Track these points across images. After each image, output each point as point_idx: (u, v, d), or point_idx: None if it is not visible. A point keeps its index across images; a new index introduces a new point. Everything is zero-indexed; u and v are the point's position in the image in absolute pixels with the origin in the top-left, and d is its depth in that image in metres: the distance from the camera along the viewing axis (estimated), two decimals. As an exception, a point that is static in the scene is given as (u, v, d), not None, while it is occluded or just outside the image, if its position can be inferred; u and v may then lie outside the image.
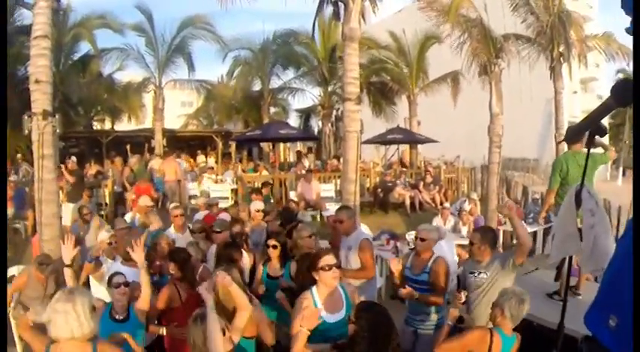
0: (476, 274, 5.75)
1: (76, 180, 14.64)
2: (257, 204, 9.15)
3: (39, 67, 8.67)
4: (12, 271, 9.41)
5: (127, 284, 5.23)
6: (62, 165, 16.60)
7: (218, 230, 7.51)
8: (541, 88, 26.65)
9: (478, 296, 5.59)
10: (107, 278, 5.57)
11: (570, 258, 4.24)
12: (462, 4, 15.69)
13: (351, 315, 4.10)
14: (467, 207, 16.33)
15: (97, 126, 36.52)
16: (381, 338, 3.84)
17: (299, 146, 34.71)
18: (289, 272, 6.37)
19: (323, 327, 4.44)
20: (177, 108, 45.61)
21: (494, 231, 5.98)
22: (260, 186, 15.00)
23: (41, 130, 8.43)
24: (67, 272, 5.48)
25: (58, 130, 8.73)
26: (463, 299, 5.43)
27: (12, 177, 16.58)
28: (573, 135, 7.73)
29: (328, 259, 4.72)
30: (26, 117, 8.64)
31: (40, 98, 8.59)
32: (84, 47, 26.99)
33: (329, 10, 14.14)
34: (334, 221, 7.29)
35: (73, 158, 17.17)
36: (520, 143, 19.73)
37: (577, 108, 41.07)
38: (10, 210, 14.26)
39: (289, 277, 6.32)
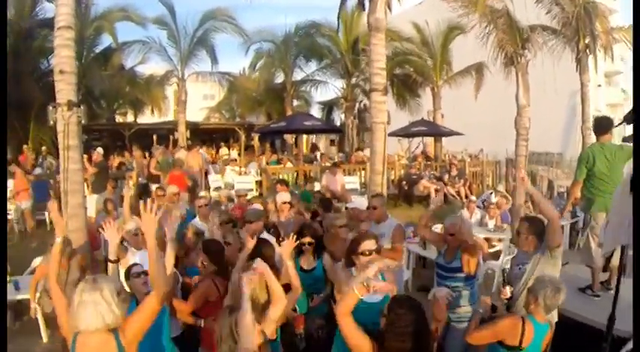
0: (520, 266, 5.62)
1: (101, 171, 14.66)
2: (283, 196, 8.95)
3: (63, 57, 8.58)
4: (37, 262, 9.38)
5: (146, 273, 5.03)
6: (85, 156, 16.78)
7: (251, 220, 7.24)
8: (565, 81, 26.20)
9: (521, 289, 5.36)
10: (124, 271, 5.34)
11: (623, 248, 4.10)
12: (489, -7, 15.48)
13: (384, 308, 3.92)
14: (493, 199, 16.18)
15: (119, 119, 36.62)
16: (412, 334, 3.70)
17: (323, 138, 34.59)
18: (322, 265, 6.35)
19: (364, 307, 4.27)
20: (200, 101, 45.63)
21: (542, 221, 5.81)
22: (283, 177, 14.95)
23: (66, 121, 8.34)
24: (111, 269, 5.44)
25: (82, 121, 8.69)
26: (508, 294, 5.29)
27: (36, 170, 16.56)
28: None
29: (369, 244, 4.79)
30: (51, 108, 8.63)
31: (65, 88, 8.50)
32: (106, 40, 27.13)
33: (354, 0, 14.05)
34: (368, 207, 7.36)
35: (99, 149, 17.13)
36: (544, 137, 19.48)
37: (601, 101, 40.53)
38: (28, 203, 14.37)
39: (322, 269, 6.33)
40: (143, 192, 16.57)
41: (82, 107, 8.69)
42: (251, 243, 5.39)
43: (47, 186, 15.14)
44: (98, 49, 27.27)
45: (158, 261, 3.95)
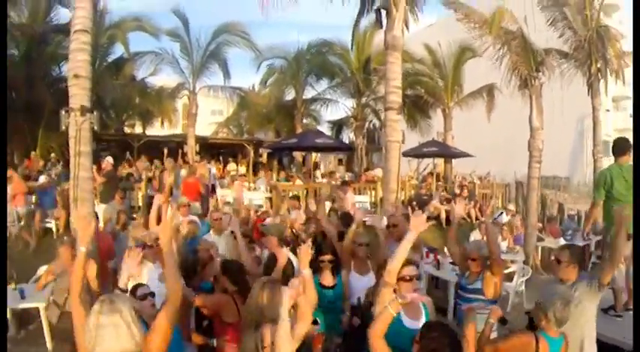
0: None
1: (110, 180, 14.53)
2: (299, 215, 8.76)
3: (78, 61, 8.50)
4: (43, 270, 9.18)
5: (153, 294, 4.87)
6: (94, 166, 16.65)
7: (272, 233, 7.01)
8: (573, 106, 26.18)
9: None
10: (129, 290, 5.06)
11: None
12: (503, 16, 15.40)
13: (416, 335, 3.81)
14: (504, 219, 16.07)
15: (127, 130, 36.48)
16: None
17: (331, 158, 34.45)
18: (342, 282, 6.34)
19: (402, 331, 4.40)
20: (208, 116, 45.51)
21: (582, 249, 5.70)
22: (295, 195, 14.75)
23: (78, 126, 8.23)
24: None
25: (95, 127, 8.51)
26: None
27: (40, 178, 16.38)
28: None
29: (410, 270, 4.74)
30: (63, 113, 8.44)
31: (79, 93, 8.41)
32: (119, 49, 26.90)
33: (370, 18, 13.99)
34: (388, 226, 7.25)
35: (109, 158, 16.97)
36: (552, 161, 19.46)
37: (610, 126, 40.35)
38: (24, 209, 14.25)
39: (342, 285, 6.32)
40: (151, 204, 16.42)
41: (95, 113, 8.49)
42: (283, 255, 5.13)
43: (54, 194, 14.95)
44: (111, 58, 27.13)
45: (173, 268, 3.77)
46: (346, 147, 27.98)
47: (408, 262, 4.79)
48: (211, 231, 8.51)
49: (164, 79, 29.45)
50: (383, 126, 11.62)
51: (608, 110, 40.42)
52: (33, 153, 21.25)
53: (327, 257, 6.30)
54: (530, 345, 4.36)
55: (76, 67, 8.46)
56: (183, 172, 18.03)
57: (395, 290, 4.56)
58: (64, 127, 8.44)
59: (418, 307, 4.77)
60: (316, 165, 33.28)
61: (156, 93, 29.71)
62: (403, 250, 4.54)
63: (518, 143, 25.51)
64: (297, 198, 12.20)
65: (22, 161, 21.50)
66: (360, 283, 6.42)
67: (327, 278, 6.31)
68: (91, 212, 8.43)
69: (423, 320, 4.65)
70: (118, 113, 32.35)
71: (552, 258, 15.51)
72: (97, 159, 18.14)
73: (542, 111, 15.78)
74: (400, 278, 4.65)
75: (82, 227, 4.37)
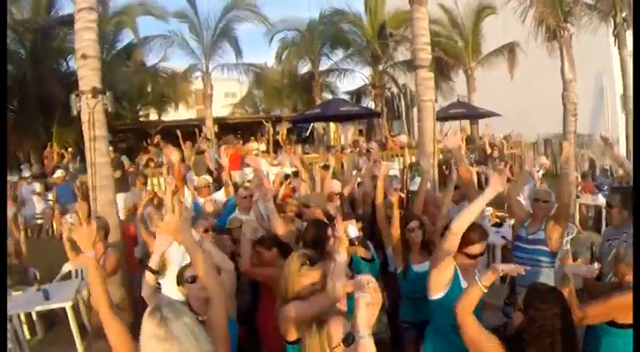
0: (610, 242, 5.27)
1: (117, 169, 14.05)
2: (334, 185, 8.06)
3: (85, 40, 7.79)
4: (68, 267, 8.94)
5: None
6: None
7: (309, 205, 6.48)
8: (590, 62, 25.43)
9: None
10: (176, 274, 4.36)
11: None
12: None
13: (519, 302, 3.30)
14: (540, 175, 15.62)
15: (142, 119, 36.00)
16: (560, 334, 3.09)
17: (351, 129, 33.84)
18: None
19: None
20: (222, 99, 44.94)
21: (631, 192, 5.12)
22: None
23: (91, 109, 7.56)
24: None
25: (109, 109, 7.87)
26: (596, 272, 4.46)
27: (57, 173, 15.90)
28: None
29: (478, 248, 4.27)
30: (74, 97, 7.80)
31: (88, 75, 7.73)
32: (126, 37, 26.40)
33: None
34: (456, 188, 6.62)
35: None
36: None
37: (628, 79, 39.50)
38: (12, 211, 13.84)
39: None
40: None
41: (108, 94, 7.83)
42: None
43: (72, 188, 14.46)
44: (119, 46, 26.62)
45: (203, 264, 3.28)
46: (372, 113, 27.07)
47: (478, 237, 4.30)
48: (237, 211, 7.88)
49: (176, 62, 29.09)
50: (415, 85, 10.85)
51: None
52: (48, 149, 20.73)
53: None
54: (629, 301, 3.74)
55: (84, 46, 7.78)
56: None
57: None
58: (75, 112, 7.81)
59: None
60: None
61: (169, 78, 29.05)
62: (474, 210, 3.99)
63: (537, 102, 25.01)
64: (327, 167, 11.46)
65: (38, 159, 21.11)
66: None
67: (363, 251, 5.59)
68: (111, 200, 7.79)
69: None
70: (132, 102, 31.89)
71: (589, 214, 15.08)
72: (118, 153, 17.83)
73: (573, 63, 15.09)
74: (464, 253, 4.22)
75: (81, 234, 3.41)
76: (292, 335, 3.75)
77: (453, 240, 4.02)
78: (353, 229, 4.56)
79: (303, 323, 3.54)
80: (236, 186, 9.24)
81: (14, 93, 21.62)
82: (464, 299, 3.42)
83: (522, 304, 3.27)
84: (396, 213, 5.60)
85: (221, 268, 4.37)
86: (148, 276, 4.41)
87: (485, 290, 3.37)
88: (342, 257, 3.95)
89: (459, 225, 3.96)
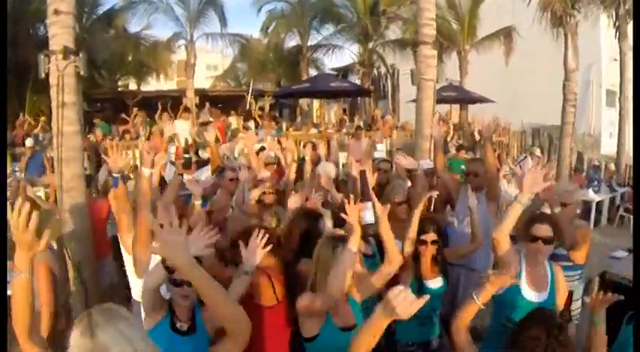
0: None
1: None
2: (328, 168, 7.22)
3: (58, -6, 6.93)
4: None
5: (190, 283, 3.47)
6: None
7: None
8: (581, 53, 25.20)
9: None
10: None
11: None
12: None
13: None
14: (530, 165, 15.02)
15: (121, 88, 35.05)
16: None
17: (335, 107, 33.15)
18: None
19: (521, 304, 3.85)
20: (204, 70, 44.13)
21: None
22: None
23: (61, 72, 6.65)
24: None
25: (82, 72, 6.97)
26: None
27: (27, 141, 14.96)
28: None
29: (544, 229, 3.96)
30: (42, 57, 6.90)
31: (60, 32, 6.82)
32: (108, 0, 25.46)
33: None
34: (468, 173, 6.39)
35: None
36: (556, 109, 18.61)
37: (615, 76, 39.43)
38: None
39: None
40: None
41: (81, 55, 6.93)
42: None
43: (41, 159, 13.58)
44: (100, 11, 25.56)
45: (211, 289, 2.68)
46: (363, 90, 26.26)
47: (541, 219, 4.09)
48: (220, 192, 7.08)
49: (159, 29, 28.20)
50: (416, 63, 10.14)
51: (615, 59, 39.25)
52: (20, 117, 19.71)
53: None
54: None
55: (57, 0, 6.93)
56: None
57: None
58: (43, 74, 6.91)
59: (545, 275, 4.02)
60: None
61: (151, 46, 28.15)
62: (514, 215, 3.78)
63: (522, 90, 24.46)
64: (315, 147, 10.66)
65: (10, 128, 20.19)
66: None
67: (365, 247, 4.94)
68: (79, 174, 6.91)
69: (548, 291, 3.97)
70: (111, 71, 30.70)
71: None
72: (89, 125, 16.98)
73: (577, 52, 14.66)
74: (531, 237, 3.99)
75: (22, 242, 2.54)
76: (311, 331, 3.54)
77: (504, 247, 3.85)
78: (369, 214, 3.85)
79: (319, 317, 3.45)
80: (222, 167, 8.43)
81: (-13, 56, 20.67)
82: (462, 314, 3.39)
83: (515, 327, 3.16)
84: (416, 222, 4.72)
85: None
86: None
87: (483, 307, 3.33)
88: (353, 246, 3.46)
89: (499, 236, 3.81)
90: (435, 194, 5.04)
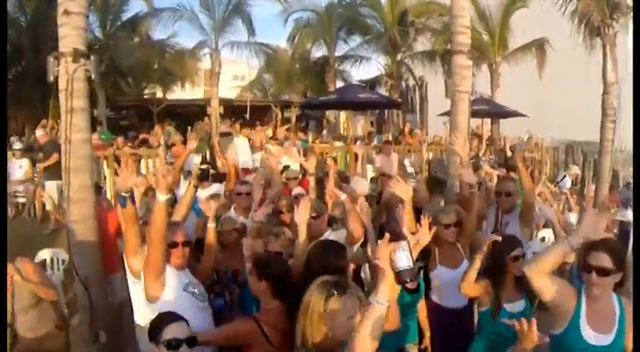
0: None
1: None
2: (361, 184, 6.72)
3: (69, -7, 6.50)
4: (44, 255, 8.24)
5: (191, 342, 3.10)
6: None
7: (313, 215, 5.07)
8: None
9: None
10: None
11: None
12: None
13: None
14: (567, 184, 14.51)
15: (147, 96, 34.99)
16: None
17: (361, 120, 32.77)
18: None
19: (586, 349, 3.39)
20: (230, 81, 44.08)
21: None
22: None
23: (70, 76, 6.19)
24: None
25: (93, 76, 6.52)
26: None
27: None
28: None
29: (601, 259, 3.36)
30: (51, 60, 6.47)
31: (70, 34, 6.38)
32: (133, 6, 25.31)
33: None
34: (499, 193, 6.05)
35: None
36: (587, 125, 18.05)
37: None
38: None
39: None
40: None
41: (92, 58, 6.48)
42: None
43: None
44: (125, 17, 25.29)
45: None
46: (392, 103, 25.75)
47: (601, 246, 3.43)
48: (233, 210, 6.61)
49: (184, 37, 28.14)
50: (449, 74, 9.63)
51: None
52: (43, 121, 19.51)
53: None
54: None
55: (67, 1, 6.49)
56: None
57: None
58: (52, 78, 6.48)
59: (611, 313, 3.43)
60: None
61: (176, 54, 27.90)
62: (557, 255, 3.38)
63: (550, 104, 23.78)
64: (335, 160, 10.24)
65: (32, 132, 20.01)
66: (451, 278, 4.93)
67: None
68: (87, 184, 6.45)
69: (614, 333, 3.39)
70: (137, 79, 30.70)
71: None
72: (117, 132, 16.71)
73: (617, 64, 14.07)
74: (589, 268, 3.40)
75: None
76: None
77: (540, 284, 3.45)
78: (405, 257, 2.80)
79: None
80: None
81: (12, 61, 20.72)
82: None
83: None
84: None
85: None
86: None
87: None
88: (383, 300, 2.66)
89: (532, 272, 3.41)
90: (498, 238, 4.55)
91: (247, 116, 25.87)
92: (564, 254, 3.35)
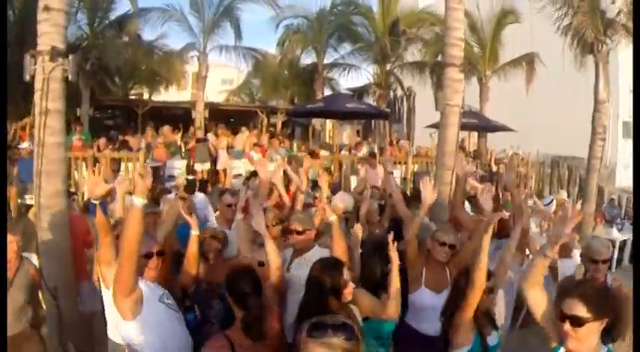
0: None
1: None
2: (343, 200, 6.48)
3: (50, -11, 6.21)
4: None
5: None
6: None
7: (299, 229, 4.89)
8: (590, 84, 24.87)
9: None
10: None
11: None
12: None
13: None
14: (552, 208, 14.26)
15: (134, 97, 34.62)
16: None
17: (347, 129, 32.62)
18: None
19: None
20: (218, 85, 43.87)
21: None
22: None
23: (46, 75, 5.92)
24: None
25: (70, 77, 6.22)
26: None
27: (24, 144, 14.43)
28: None
29: (574, 306, 3.04)
30: (28, 58, 6.18)
31: (50, 31, 6.13)
32: (120, 6, 24.79)
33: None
34: None
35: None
36: (570, 140, 18.04)
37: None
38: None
39: None
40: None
41: (70, 58, 6.19)
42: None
43: (31, 165, 12.90)
44: (113, 16, 24.70)
45: None
46: (381, 113, 25.55)
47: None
48: (214, 220, 6.36)
49: (172, 39, 27.87)
50: (441, 86, 9.44)
51: (632, 91, 38.88)
52: (25, 120, 19.07)
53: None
54: None
55: (48, -4, 6.22)
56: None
57: None
58: (28, 77, 6.18)
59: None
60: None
61: (164, 55, 27.69)
62: (541, 266, 3.33)
63: (537, 119, 23.73)
64: (328, 170, 9.97)
65: (14, 131, 19.59)
66: (434, 303, 4.59)
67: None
68: (60, 190, 6.18)
69: None
70: (124, 78, 30.35)
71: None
72: (101, 132, 16.37)
73: (608, 81, 14.00)
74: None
75: None
76: None
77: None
78: None
79: None
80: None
81: (-3, 56, 20.32)
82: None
83: None
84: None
85: None
86: None
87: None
88: None
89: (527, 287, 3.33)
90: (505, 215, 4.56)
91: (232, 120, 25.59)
92: (543, 263, 3.27)
